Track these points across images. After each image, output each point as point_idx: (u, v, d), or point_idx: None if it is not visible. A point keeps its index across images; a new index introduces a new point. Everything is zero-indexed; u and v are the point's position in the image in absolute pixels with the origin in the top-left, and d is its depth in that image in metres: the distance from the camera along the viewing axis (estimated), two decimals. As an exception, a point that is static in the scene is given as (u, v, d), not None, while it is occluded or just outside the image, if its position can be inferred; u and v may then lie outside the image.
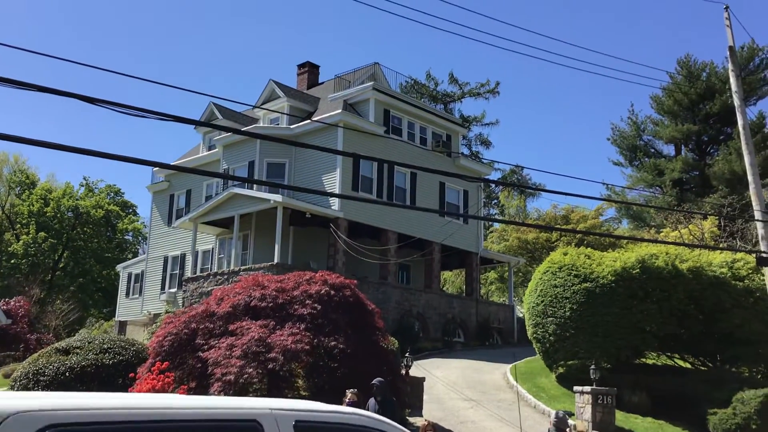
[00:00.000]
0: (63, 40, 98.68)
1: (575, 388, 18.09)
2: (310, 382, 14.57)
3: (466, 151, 50.01)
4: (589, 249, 22.21)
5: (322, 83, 36.64)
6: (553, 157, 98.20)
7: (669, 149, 49.98)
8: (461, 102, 53.82)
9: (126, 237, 64.42)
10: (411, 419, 16.82)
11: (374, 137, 28.91)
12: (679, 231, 34.97)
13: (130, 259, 48.03)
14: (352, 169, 28.81)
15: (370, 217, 29.03)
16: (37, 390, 16.51)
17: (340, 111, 29.09)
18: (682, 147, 48.79)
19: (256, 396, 14.26)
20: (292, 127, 30.44)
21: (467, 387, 21.15)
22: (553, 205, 48.25)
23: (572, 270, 20.22)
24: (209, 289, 26.75)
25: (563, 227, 40.99)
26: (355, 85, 31.51)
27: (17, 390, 17.05)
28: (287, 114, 30.85)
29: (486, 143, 53.73)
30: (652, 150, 50.51)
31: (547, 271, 20.99)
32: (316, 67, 37.80)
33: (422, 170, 15.24)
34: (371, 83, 30.91)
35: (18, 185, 62.17)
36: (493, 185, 54.66)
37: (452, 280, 50.31)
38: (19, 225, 60.29)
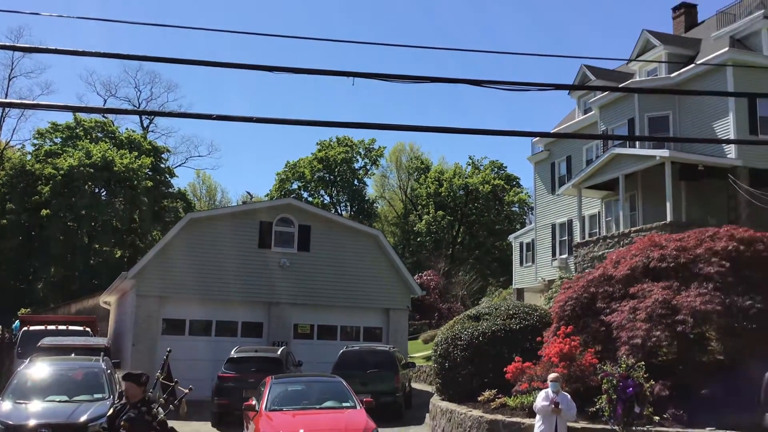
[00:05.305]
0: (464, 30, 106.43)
1: None
2: (725, 346, 13.62)
3: None
4: None
5: (702, 23, 33.58)
6: None
7: None
8: None
9: (513, 208, 67.49)
10: None
11: (770, 72, 25.60)
12: None
13: (518, 229, 50.12)
14: (747, 111, 25.94)
15: (774, 161, 25.86)
16: (456, 352, 18.28)
17: (726, 49, 26.34)
18: None
19: (665, 360, 13.85)
20: (672, 75, 28.52)
21: None
22: None
23: None
24: (600, 253, 26.61)
25: None
26: (742, 17, 28.19)
27: (439, 352, 19.07)
28: (665, 62, 28.98)
29: None
30: None
31: None
32: (693, 6, 34.76)
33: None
34: (761, 11, 27.31)
35: (415, 171, 69.32)
36: None
37: None
38: (420, 206, 67.27)
